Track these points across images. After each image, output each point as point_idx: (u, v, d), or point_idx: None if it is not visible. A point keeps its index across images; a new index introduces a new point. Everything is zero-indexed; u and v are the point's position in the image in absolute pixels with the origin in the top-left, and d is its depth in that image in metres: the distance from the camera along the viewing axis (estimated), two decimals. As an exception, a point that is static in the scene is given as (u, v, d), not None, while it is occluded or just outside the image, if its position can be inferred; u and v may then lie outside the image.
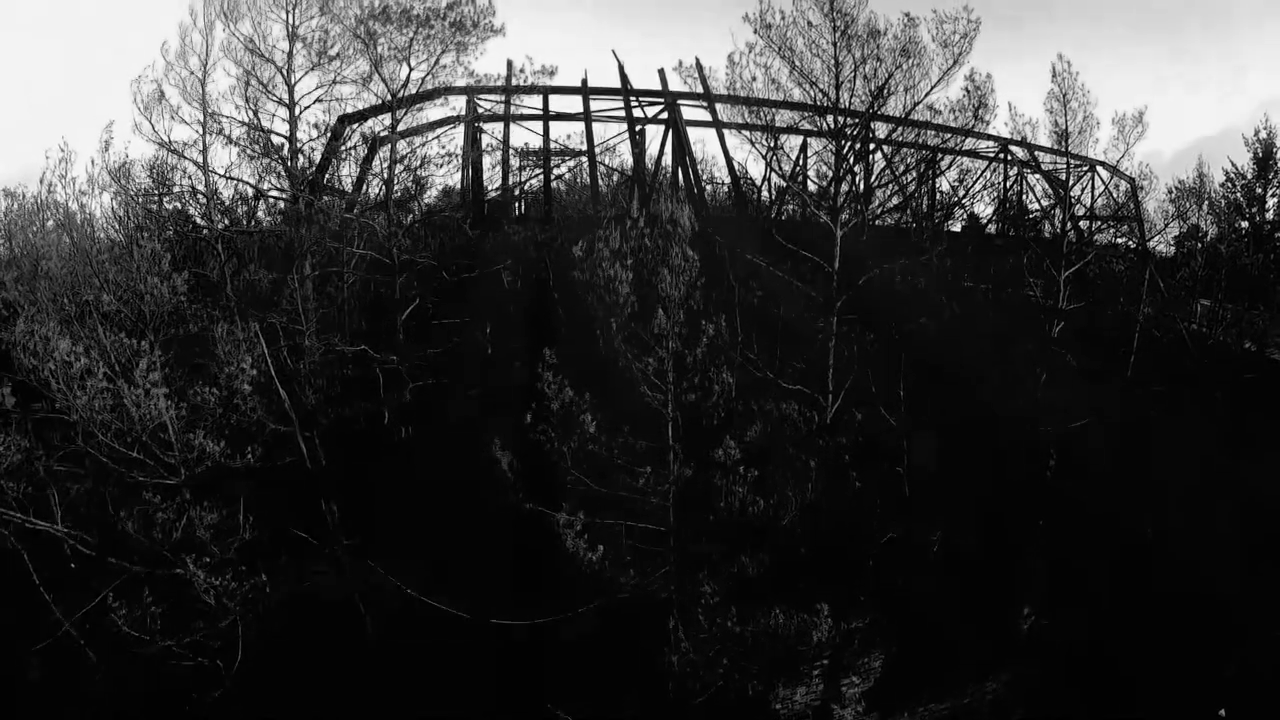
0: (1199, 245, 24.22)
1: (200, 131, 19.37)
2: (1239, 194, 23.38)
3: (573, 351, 19.19)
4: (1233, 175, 23.49)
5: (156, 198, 20.10)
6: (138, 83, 18.71)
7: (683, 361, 16.78)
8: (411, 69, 24.20)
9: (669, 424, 16.87)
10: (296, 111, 21.88)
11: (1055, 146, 23.13)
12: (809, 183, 29.01)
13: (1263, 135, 22.94)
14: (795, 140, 28.10)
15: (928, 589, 19.46)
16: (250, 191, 21.81)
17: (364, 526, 19.29)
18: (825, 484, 17.74)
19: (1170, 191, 26.68)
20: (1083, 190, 26.87)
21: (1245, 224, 23.32)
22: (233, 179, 20.69)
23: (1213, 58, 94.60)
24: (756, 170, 33.24)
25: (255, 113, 20.41)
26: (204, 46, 19.17)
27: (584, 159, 30.45)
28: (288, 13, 20.27)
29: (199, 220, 20.99)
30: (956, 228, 27.81)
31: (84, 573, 14.51)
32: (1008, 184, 25.96)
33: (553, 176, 30.83)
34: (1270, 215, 22.75)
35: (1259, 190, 22.91)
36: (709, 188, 31.59)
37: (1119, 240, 25.73)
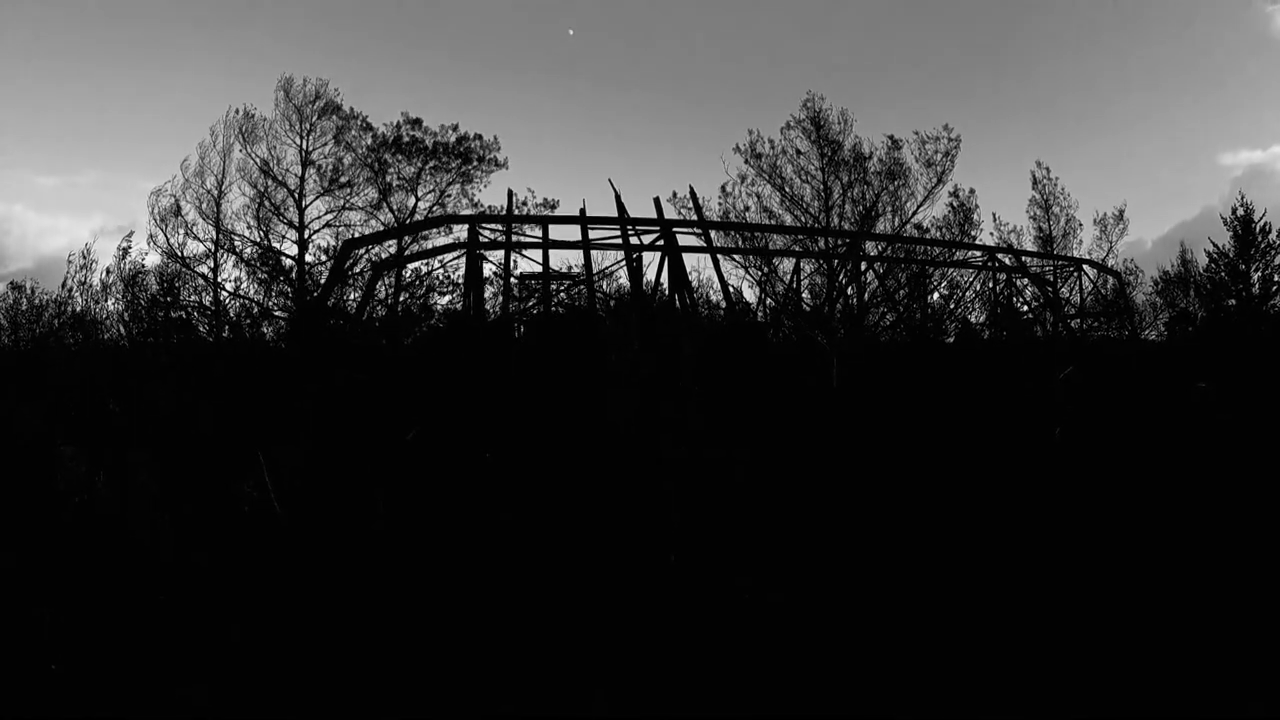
0: (1190, 329, 24.53)
1: (212, 248, 19.91)
2: (1223, 273, 23.76)
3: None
4: (1215, 256, 23.90)
5: (165, 306, 20.42)
6: (156, 195, 19.35)
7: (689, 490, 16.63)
8: (418, 199, 25.12)
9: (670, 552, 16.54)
10: (305, 234, 22.52)
11: (1041, 250, 23.84)
12: (803, 304, 29.60)
13: (1240, 212, 23.46)
14: (789, 263, 28.93)
15: None
16: (257, 309, 22.22)
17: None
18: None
19: (1156, 283, 27.36)
20: (1071, 290, 27.47)
21: (1232, 301, 23.56)
22: (240, 296, 21.09)
23: (1182, 143, 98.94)
24: (752, 293, 33.98)
25: (266, 233, 21.02)
26: (221, 167, 19.98)
27: (583, 285, 31.10)
28: (302, 138, 21.26)
29: (203, 332, 21.26)
30: (950, 338, 28.20)
31: (66, 681, 13.72)
32: (997, 290, 26.49)
33: (552, 302, 31.37)
34: (1256, 290, 23.00)
35: (1242, 266, 23.23)
36: (705, 310, 32.10)
37: (1111, 334, 26.01)
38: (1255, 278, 23.27)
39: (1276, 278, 23.12)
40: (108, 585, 16.66)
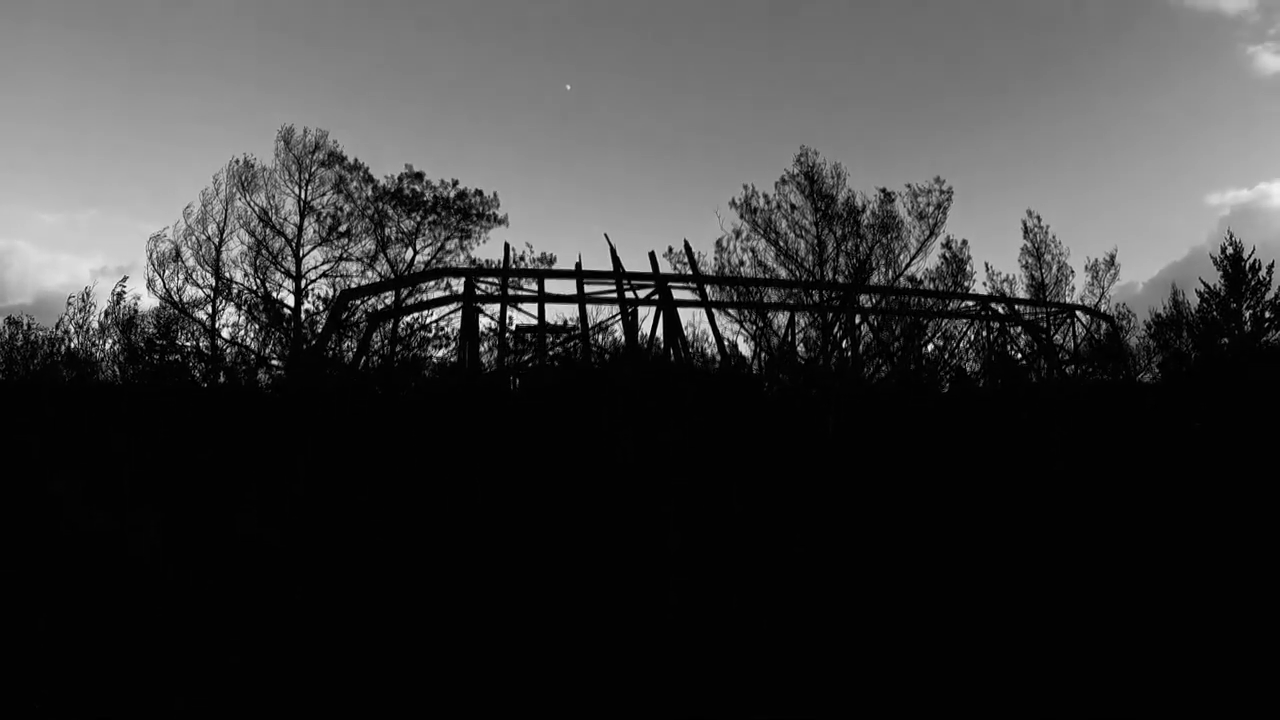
0: (1184, 370, 24.51)
1: (211, 294, 19.88)
2: (1215, 312, 23.79)
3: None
4: (1206, 295, 23.99)
5: (160, 350, 20.26)
6: (155, 240, 19.36)
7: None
8: (416, 252, 25.31)
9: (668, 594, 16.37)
10: (303, 284, 22.57)
11: (1034, 297, 24.00)
12: (798, 357, 29.67)
13: (1229, 251, 23.62)
14: (784, 317, 29.10)
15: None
16: (254, 357, 22.13)
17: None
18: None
19: (1149, 325, 27.39)
20: (1065, 336, 27.44)
21: (1225, 340, 23.54)
22: (237, 344, 20.99)
23: (1169, 185, 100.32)
24: (747, 348, 34.08)
25: (264, 281, 21.06)
26: (223, 215, 20.08)
27: (578, 339, 31.18)
28: (301, 188, 21.42)
29: (197, 377, 21.07)
30: (945, 388, 28.20)
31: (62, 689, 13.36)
32: (991, 339, 26.50)
33: (547, 355, 31.39)
34: (1248, 327, 23.01)
35: (1234, 305, 23.27)
36: (700, 363, 32.15)
37: (1105, 378, 25.95)
38: (1247, 315, 23.33)
39: (1268, 314, 23.22)
40: (107, 601, 16.40)
